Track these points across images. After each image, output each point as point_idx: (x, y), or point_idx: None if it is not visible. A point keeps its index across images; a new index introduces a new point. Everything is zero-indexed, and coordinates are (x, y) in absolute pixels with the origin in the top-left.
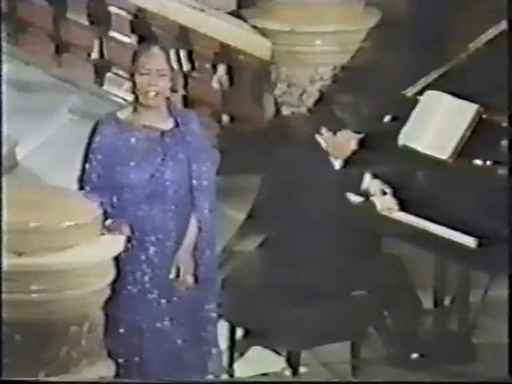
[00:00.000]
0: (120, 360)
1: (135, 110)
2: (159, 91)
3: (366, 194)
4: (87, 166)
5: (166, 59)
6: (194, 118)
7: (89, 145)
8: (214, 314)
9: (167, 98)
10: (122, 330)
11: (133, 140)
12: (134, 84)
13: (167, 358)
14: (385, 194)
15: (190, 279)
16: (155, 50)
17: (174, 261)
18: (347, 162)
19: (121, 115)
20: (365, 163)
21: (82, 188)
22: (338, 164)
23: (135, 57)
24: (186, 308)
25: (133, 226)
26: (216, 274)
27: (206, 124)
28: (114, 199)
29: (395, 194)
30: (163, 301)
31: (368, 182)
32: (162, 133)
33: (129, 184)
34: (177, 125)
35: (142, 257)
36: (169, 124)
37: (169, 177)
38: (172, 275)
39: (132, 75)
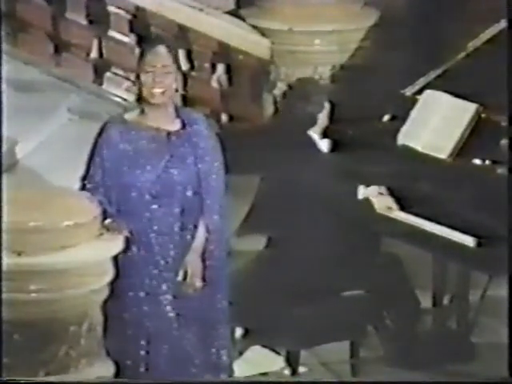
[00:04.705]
0: (128, 362)
1: (142, 111)
2: (165, 88)
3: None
4: (92, 167)
5: (173, 57)
6: (200, 119)
7: (95, 146)
8: (223, 315)
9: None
10: (129, 332)
11: (139, 141)
12: (140, 84)
13: (176, 360)
14: (382, 194)
15: (197, 282)
16: (160, 48)
17: (182, 263)
18: (346, 160)
19: (128, 117)
20: (364, 162)
21: (83, 187)
22: (325, 146)
23: (141, 56)
24: (194, 309)
25: (139, 227)
26: (225, 275)
27: (213, 125)
28: (120, 200)
29: (394, 194)
30: (171, 302)
31: (364, 192)
32: (169, 134)
33: (135, 185)
34: (183, 126)
35: (149, 258)
36: (176, 125)
37: (176, 178)
38: (180, 278)
39: (138, 76)
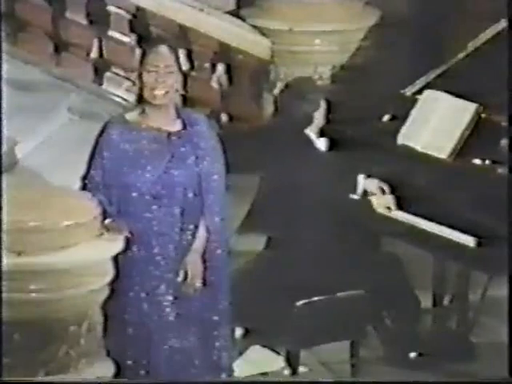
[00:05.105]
0: (128, 362)
1: (143, 111)
2: (167, 89)
3: (366, 193)
4: (93, 167)
5: (175, 58)
6: (201, 119)
7: (96, 146)
8: (223, 316)
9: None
10: (129, 332)
11: (140, 142)
12: (142, 84)
13: (176, 360)
14: (383, 191)
15: (198, 282)
16: (163, 47)
17: (182, 264)
18: (346, 160)
19: (129, 117)
20: (364, 162)
21: (84, 187)
22: (323, 145)
23: (143, 56)
24: (195, 310)
25: (139, 227)
26: (226, 276)
27: (214, 125)
28: (121, 200)
29: (394, 194)
30: (171, 303)
31: (363, 182)
32: (170, 134)
33: (135, 185)
34: (184, 126)
35: (149, 259)
36: (176, 125)
37: (176, 179)
38: (180, 278)
39: (140, 76)
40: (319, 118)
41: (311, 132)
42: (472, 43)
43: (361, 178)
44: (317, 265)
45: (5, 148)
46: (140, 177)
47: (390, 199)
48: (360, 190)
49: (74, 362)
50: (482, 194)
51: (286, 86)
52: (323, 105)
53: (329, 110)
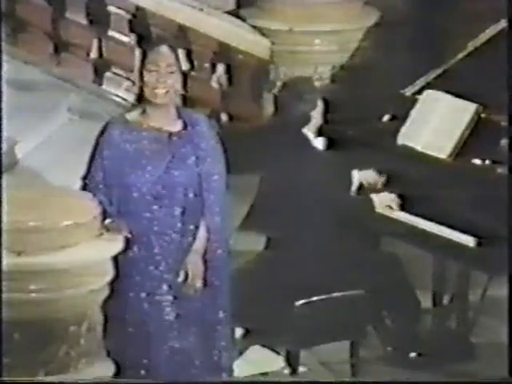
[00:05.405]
0: (128, 362)
1: (144, 111)
2: (168, 88)
3: (362, 187)
4: (93, 167)
5: (175, 58)
6: (202, 120)
7: (96, 146)
8: (223, 316)
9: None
10: (129, 332)
11: (141, 142)
12: (143, 84)
13: (176, 361)
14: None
15: (198, 283)
16: (164, 47)
17: (182, 264)
18: (346, 160)
19: (129, 117)
20: (364, 162)
21: (85, 187)
22: (320, 145)
23: (144, 56)
24: (195, 310)
25: (139, 227)
26: (226, 276)
27: (214, 125)
28: (121, 200)
29: (393, 192)
30: (172, 303)
31: (359, 176)
32: (170, 134)
33: (136, 185)
34: (185, 127)
35: (149, 259)
36: (177, 126)
37: (177, 179)
38: (180, 279)
39: (141, 75)
40: (317, 117)
41: (309, 131)
42: (472, 43)
43: (355, 172)
44: (317, 265)
45: (5, 148)
46: (140, 177)
47: (392, 197)
48: (355, 184)
49: (74, 362)
50: (481, 194)
51: (284, 85)
52: (320, 104)
53: (328, 110)
